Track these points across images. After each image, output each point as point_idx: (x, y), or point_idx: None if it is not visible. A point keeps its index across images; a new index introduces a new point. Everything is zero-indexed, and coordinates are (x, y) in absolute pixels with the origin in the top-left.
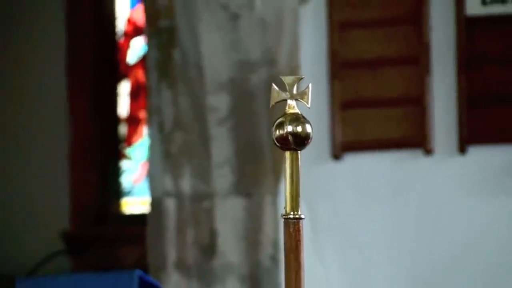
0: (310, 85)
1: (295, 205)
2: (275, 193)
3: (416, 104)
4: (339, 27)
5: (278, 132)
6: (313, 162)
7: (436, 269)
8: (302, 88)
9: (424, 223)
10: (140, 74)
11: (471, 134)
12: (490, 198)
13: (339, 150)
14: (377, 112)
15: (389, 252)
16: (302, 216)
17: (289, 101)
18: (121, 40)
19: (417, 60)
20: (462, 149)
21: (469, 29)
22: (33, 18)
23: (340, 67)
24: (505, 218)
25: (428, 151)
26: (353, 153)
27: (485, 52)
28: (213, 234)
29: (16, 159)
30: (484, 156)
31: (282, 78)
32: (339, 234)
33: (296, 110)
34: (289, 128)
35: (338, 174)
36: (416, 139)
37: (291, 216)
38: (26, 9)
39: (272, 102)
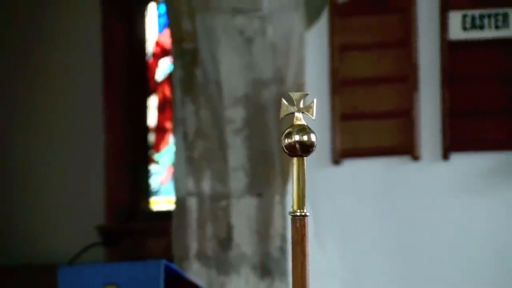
0: (314, 100)
1: (301, 204)
2: (283, 193)
3: (405, 116)
4: (339, 49)
5: (286, 141)
6: (316, 166)
7: (422, 260)
8: (308, 102)
9: (411, 219)
10: (166, 90)
11: (453, 143)
12: (471, 199)
13: (339, 156)
14: (372, 123)
15: (382, 244)
16: (307, 214)
17: (297, 114)
18: (150, 60)
19: (406, 78)
20: (446, 156)
21: (451, 51)
22: (72, 39)
23: (339, 84)
24: (484, 217)
25: (415, 158)
26: (351, 159)
27: (465, 71)
28: (229, 229)
29: (59, 164)
30: (465, 162)
31: (290, 94)
32: (338, 229)
33: (303, 122)
34: (297, 137)
35: (337, 177)
36: (405, 147)
37: (298, 214)
38: (65, 31)
39: (282, 115)
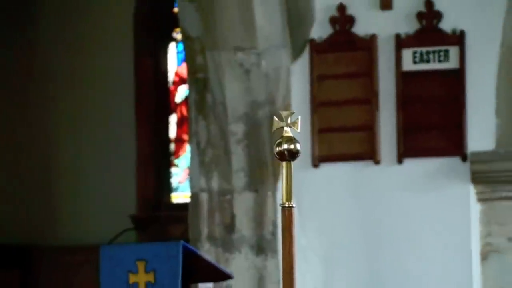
0: (299, 117)
1: (289, 198)
2: (274, 190)
3: (368, 130)
4: (317, 78)
5: (277, 149)
6: (299, 169)
7: (382, 241)
8: (293, 119)
9: (374, 209)
10: (184, 110)
11: (405, 150)
12: (420, 194)
13: (317, 161)
14: (342, 135)
15: (351, 229)
16: (293, 205)
17: (285, 128)
18: (171, 87)
19: (369, 101)
20: (400, 161)
21: (404, 80)
22: (111, 72)
23: (317, 105)
24: (430, 208)
25: (376, 162)
26: (326, 163)
27: (415, 95)
28: (232, 217)
29: (102, 167)
30: (414, 165)
31: (280, 112)
32: (317, 218)
33: (290, 134)
34: (285, 146)
35: (316, 178)
36: (369, 153)
37: (286, 205)
38: (106, 65)
39: (274, 128)
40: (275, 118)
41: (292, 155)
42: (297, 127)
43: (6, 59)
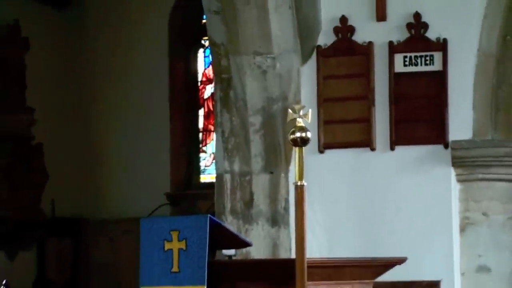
0: (310, 110)
1: (301, 178)
2: (286, 172)
3: (366, 122)
4: (323, 78)
5: (291, 136)
6: (308, 154)
7: (377, 216)
8: (305, 111)
9: (370, 189)
10: (210, 104)
11: (397, 139)
12: (410, 177)
13: (322, 147)
14: (344, 126)
15: (351, 204)
16: (304, 184)
17: (298, 119)
18: (200, 85)
19: (366, 97)
20: (392, 148)
21: (396, 79)
22: (150, 73)
23: (323, 101)
24: (417, 189)
25: (372, 149)
26: (330, 149)
27: (405, 93)
28: (251, 194)
29: (143, 154)
30: (405, 152)
31: (294, 106)
32: (322, 196)
33: (302, 124)
34: (298, 134)
35: (321, 162)
36: (366, 141)
37: (299, 183)
38: (146, 68)
39: (288, 119)
40: (290, 110)
41: (304, 141)
42: (308, 118)
43: (63, 66)
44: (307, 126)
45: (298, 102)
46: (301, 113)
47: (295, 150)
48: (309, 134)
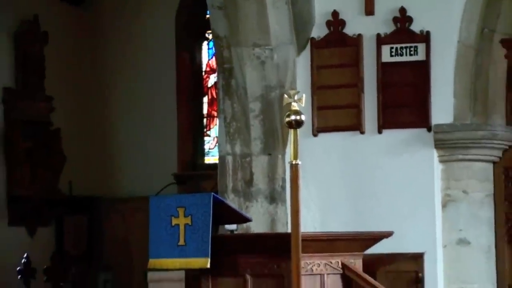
0: (303, 95)
1: (295, 157)
2: (283, 153)
3: (356, 107)
4: (316, 68)
5: (287, 119)
6: (303, 137)
7: (366, 193)
8: (299, 96)
9: (360, 168)
10: (214, 92)
11: (384, 123)
12: (396, 158)
13: (316, 131)
14: (336, 111)
15: (342, 183)
16: (299, 163)
17: (293, 103)
18: (204, 74)
19: (356, 85)
20: (380, 131)
21: (383, 69)
22: (158, 63)
23: (316, 88)
24: (403, 168)
25: (362, 132)
26: (323, 133)
27: (391, 81)
28: (251, 174)
29: (153, 137)
30: (391, 135)
31: (289, 91)
32: (316, 175)
33: (297, 108)
34: (293, 117)
35: (315, 144)
36: (356, 125)
37: (294, 162)
38: (154, 58)
39: (284, 103)
40: (285, 95)
41: (298, 124)
42: (302, 102)
43: (79, 57)
44: (301, 110)
45: (293, 89)
46: (295, 98)
47: (291, 132)
48: (303, 117)
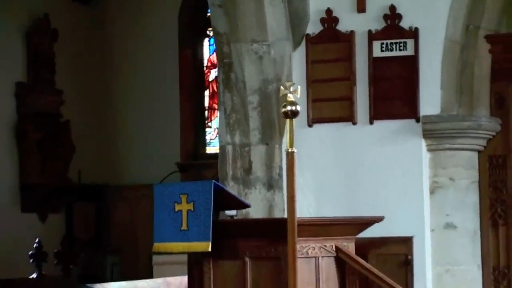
0: (299, 86)
1: (291, 145)
2: (280, 143)
3: (348, 100)
4: (311, 62)
5: (283, 110)
6: (298, 128)
7: (359, 181)
8: (295, 88)
9: (353, 157)
10: (214, 86)
11: (375, 114)
12: (386, 147)
13: (311, 122)
14: (329, 103)
15: (336, 171)
16: (295, 150)
17: (289, 94)
18: (206, 70)
19: (349, 78)
20: (371, 122)
21: (374, 63)
22: (162, 58)
23: (311, 82)
24: (393, 157)
25: (354, 123)
26: (318, 124)
27: (382, 75)
28: (249, 164)
29: (156, 129)
30: (382, 126)
31: (285, 83)
32: (311, 164)
33: (292, 99)
34: (289, 108)
35: (310, 134)
36: (348, 116)
37: (290, 150)
38: (159, 54)
39: (281, 94)
40: (281, 87)
41: (294, 114)
42: (297, 93)
43: (88, 53)
44: (297, 101)
45: (289, 82)
46: (291, 89)
47: (287, 121)
48: (298, 108)
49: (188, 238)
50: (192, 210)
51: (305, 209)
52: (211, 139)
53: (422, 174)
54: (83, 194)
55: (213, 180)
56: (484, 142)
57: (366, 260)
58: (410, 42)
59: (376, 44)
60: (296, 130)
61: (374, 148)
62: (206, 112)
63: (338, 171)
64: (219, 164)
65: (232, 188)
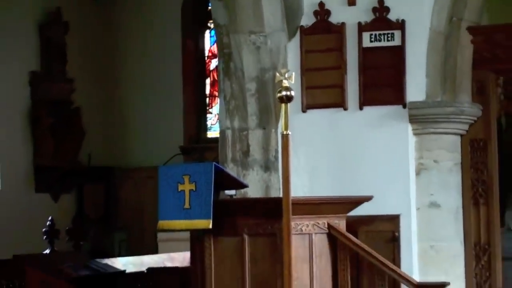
0: (293, 73)
1: (286, 128)
2: (276, 128)
3: (340, 87)
4: (305, 52)
5: (278, 95)
6: (293, 113)
7: (350, 163)
8: (289, 74)
9: (344, 140)
10: (215, 74)
11: (365, 100)
12: (375, 131)
13: (305, 108)
14: (322, 90)
15: (328, 153)
16: (289, 133)
17: (284, 80)
18: (207, 59)
19: (340, 67)
20: (361, 108)
21: (364, 53)
22: (167, 49)
23: (305, 70)
24: (381, 141)
25: (345, 109)
26: (311, 109)
27: (371, 64)
28: (248, 147)
29: (163, 115)
30: (372, 111)
31: (281, 70)
32: (305, 147)
33: (287, 85)
34: (284, 93)
35: (304, 120)
36: (340, 103)
37: (285, 133)
38: (163, 45)
39: (276, 80)
40: (277, 73)
41: (289, 99)
42: (292, 79)
43: (97, 44)
44: (291, 87)
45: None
46: (286, 75)
47: (282, 106)
48: (292, 93)
49: (191, 216)
50: (194, 190)
51: (300, 189)
52: (212, 124)
53: (408, 157)
54: (92, 175)
55: (214, 162)
56: (466, 127)
57: (356, 237)
58: (397, 33)
59: (366, 35)
60: (291, 116)
61: (363, 132)
62: (207, 99)
63: (330, 153)
64: (219, 147)
65: (231, 169)
